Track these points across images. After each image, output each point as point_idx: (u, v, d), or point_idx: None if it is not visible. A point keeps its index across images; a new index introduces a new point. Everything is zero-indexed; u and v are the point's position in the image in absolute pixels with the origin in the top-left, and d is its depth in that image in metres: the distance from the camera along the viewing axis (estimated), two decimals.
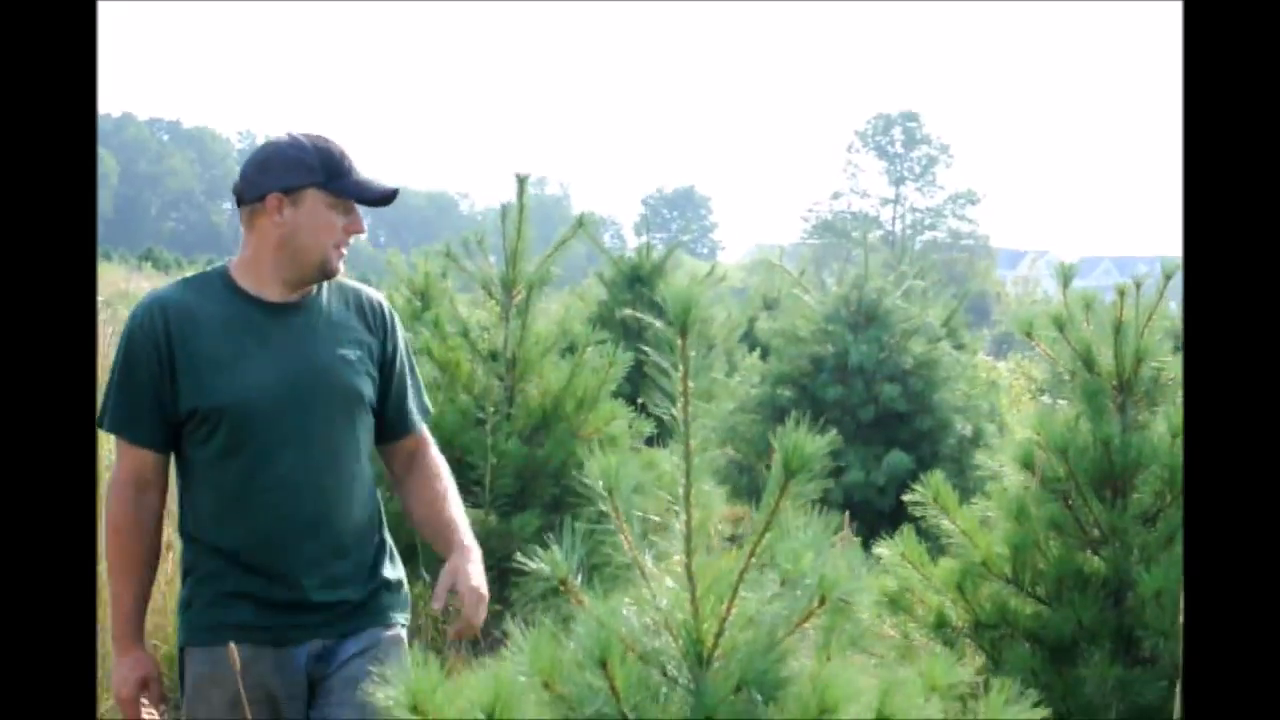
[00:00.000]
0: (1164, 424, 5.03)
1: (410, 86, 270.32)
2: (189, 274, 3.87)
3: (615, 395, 8.41)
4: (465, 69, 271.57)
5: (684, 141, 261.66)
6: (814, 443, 2.61)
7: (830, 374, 11.71)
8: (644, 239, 16.44)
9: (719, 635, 2.58)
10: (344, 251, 3.70)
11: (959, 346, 14.96)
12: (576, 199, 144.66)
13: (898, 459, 10.96)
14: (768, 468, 8.15)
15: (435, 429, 4.39)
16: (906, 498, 5.25)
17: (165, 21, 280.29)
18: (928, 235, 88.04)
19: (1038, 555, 5.05)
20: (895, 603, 5.21)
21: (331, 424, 3.68)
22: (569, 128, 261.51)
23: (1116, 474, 4.99)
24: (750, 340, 18.89)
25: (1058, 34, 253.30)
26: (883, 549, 5.25)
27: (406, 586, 3.93)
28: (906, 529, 5.22)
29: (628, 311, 15.33)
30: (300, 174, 3.60)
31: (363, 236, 3.88)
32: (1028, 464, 5.08)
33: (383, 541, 3.86)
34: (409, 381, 3.94)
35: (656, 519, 2.77)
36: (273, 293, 3.67)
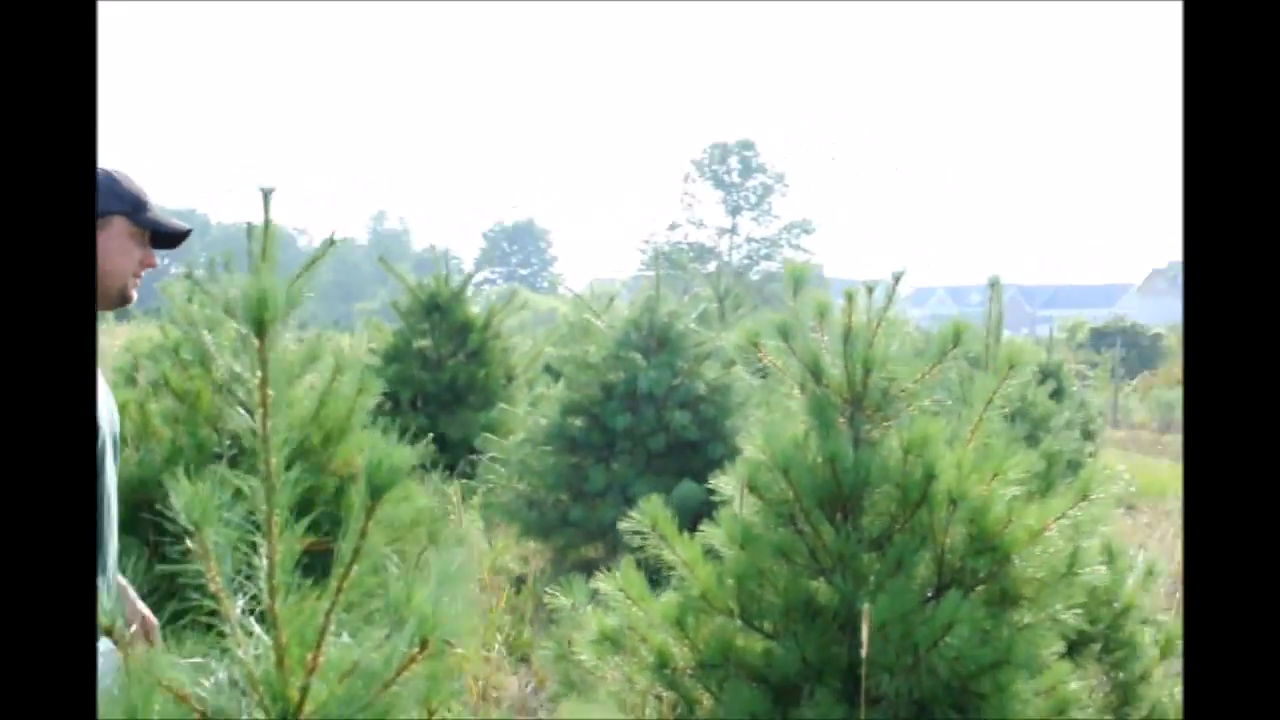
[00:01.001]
0: (896, 439, 4.64)
1: (241, 117, 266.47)
2: None
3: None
4: (306, 107, 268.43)
5: (524, 175, 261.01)
6: (401, 454, 2.25)
7: (620, 401, 11.26)
8: (472, 271, 16.00)
9: (305, 689, 2.22)
10: (138, 283, 3.74)
11: (762, 373, 14.62)
12: (417, 233, 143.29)
13: (689, 489, 10.48)
14: (560, 500, 7.62)
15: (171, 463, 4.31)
16: (623, 525, 4.80)
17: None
18: (764, 265, 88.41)
19: (765, 586, 4.62)
20: (615, 642, 4.74)
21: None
22: (409, 160, 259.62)
23: (845, 495, 4.58)
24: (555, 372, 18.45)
25: (887, 60, 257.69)
26: (600, 583, 4.78)
27: None
28: (626, 560, 4.76)
29: (424, 342, 14.82)
30: (109, 201, 3.64)
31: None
32: (754, 486, 4.64)
33: None
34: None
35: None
36: None
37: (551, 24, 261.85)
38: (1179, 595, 10.38)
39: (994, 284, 21.54)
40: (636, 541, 4.76)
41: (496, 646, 7.87)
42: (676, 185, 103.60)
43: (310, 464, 7.38)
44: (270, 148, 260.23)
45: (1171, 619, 6.00)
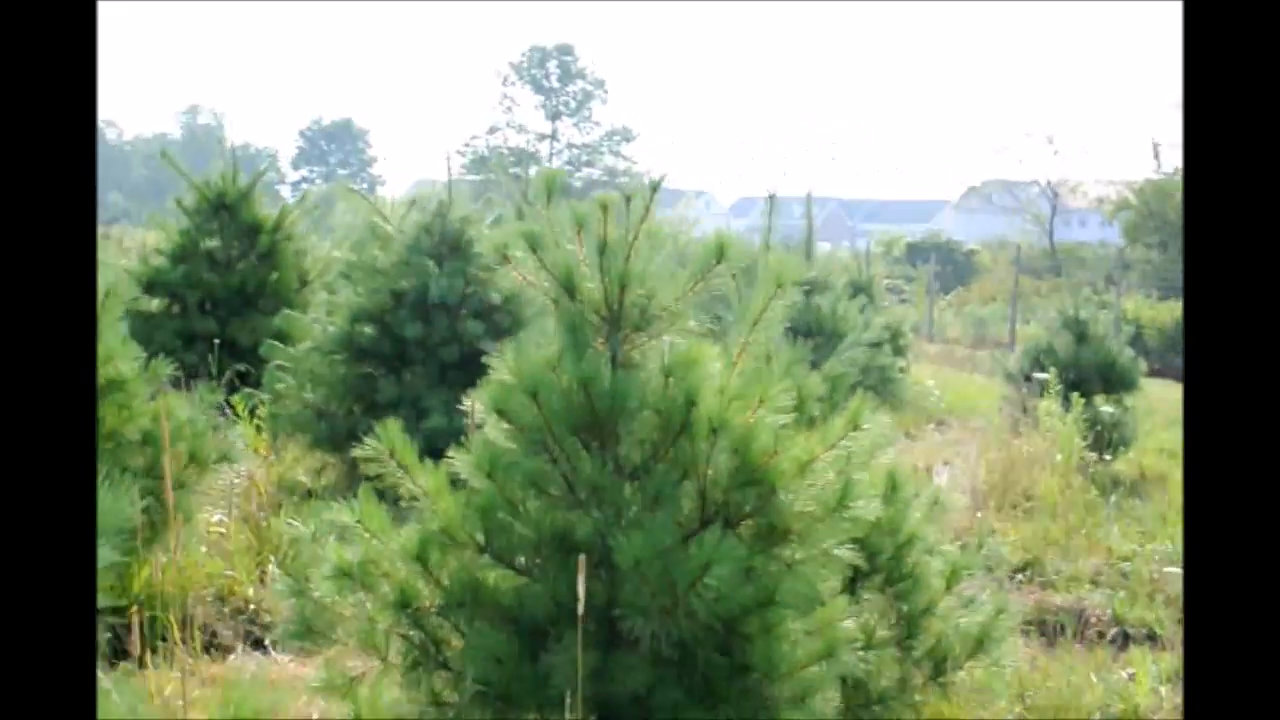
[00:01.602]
0: (656, 361, 4.30)
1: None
2: None
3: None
4: None
5: (342, 72, 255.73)
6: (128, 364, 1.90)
7: (411, 310, 10.77)
8: (301, 172, 15.35)
9: None
10: None
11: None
12: (232, 130, 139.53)
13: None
14: (351, 411, 7.08)
15: None
16: (357, 453, 4.40)
17: None
18: (585, 172, 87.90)
19: (517, 519, 4.27)
20: (354, 577, 4.35)
21: None
22: (223, 52, 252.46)
23: (601, 421, 4.23)
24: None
25: None
26: (339, 513, 4.39)
27: None
28: (364, 489, 4.37)
29: (213, 243, 14.16)
30: None
31: None
32: (502, 410, 4.27)
33: None
34: None
35: None
36: None
37: None
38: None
39: (808, 198, 21.41)
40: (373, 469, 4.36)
41: (271, 568, 7.42)
42: (495, 88, 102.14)
43: None
44: None
45: (955, 550, 5.79)
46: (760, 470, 4.23)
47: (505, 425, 4.30)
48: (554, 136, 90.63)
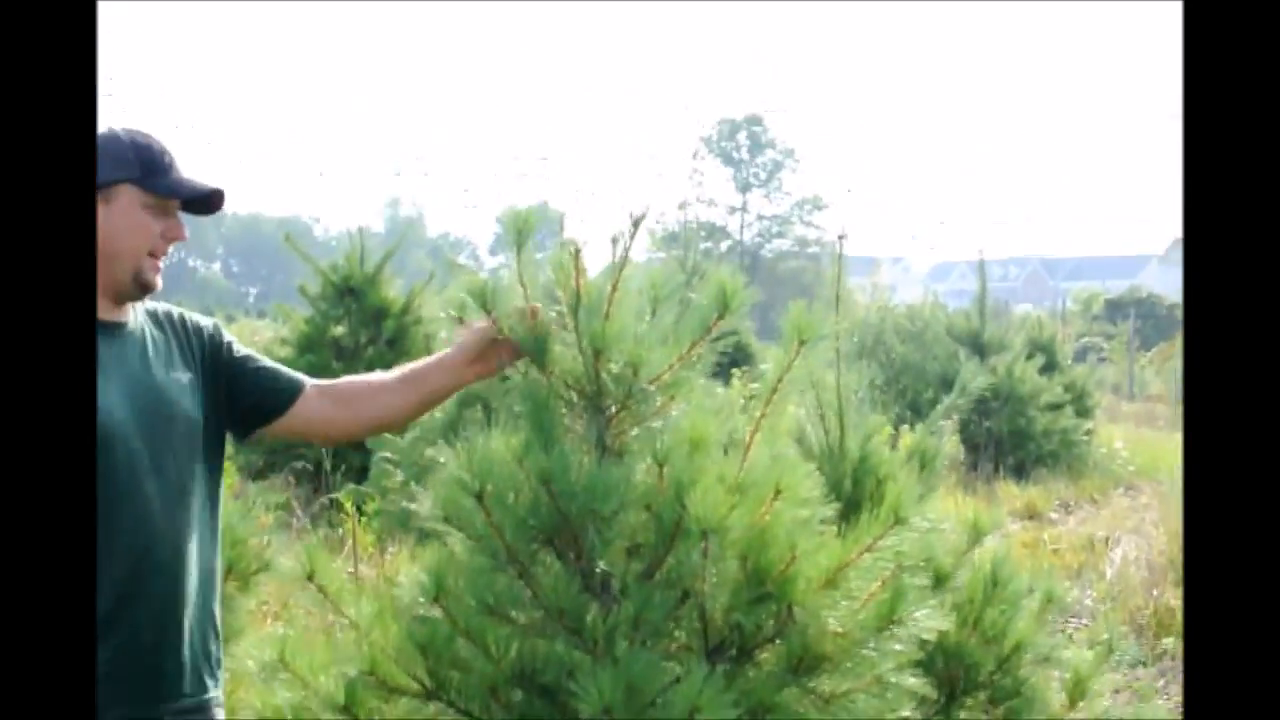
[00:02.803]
0: (650, 448, 3.39)
1: (256, 109, 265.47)
2: None
3: None
4: (322, 87, 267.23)
5: (531, 162, 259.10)
6: None
7: None
8: (499, 258, 14.86)
9: None
10: (160, 264, 3.31)
11: None
12: (431, 219, 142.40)
13: None
14: None
15: None
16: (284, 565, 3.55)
17: None
18: (775, 244, 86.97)
19: (472, 654, 3.38)
20: None
21: (179, 456, 3.31)
22: (419, 141, 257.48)
23: (573, 526, 3.32)
24: None
25: (903, 35, 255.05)
26: (262, 649, 3.53)
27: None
28: (291, 632, 3.52)
29: (339, 329, 13.62)
30: (112, 168, 3.21)
31: (182, 243, 3.45)
32: (449, 517, 3.39)
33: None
34: (263, 361, 3.62)
35: None
36: (101, 309, 3.23)
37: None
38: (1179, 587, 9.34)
39: (980, 264, 20.25)
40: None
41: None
42: (685, 163, 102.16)
43: None
44: (273, 130, 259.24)
45: (1077, 655, 4.75)
46: (775, 583, 3.29)
47: (458, 533, 3.43)
48: (744, 209, 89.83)
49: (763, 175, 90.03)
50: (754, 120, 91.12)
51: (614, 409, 3.48)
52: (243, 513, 6.68)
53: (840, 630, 3.34)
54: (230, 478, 9.55)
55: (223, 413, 3.51)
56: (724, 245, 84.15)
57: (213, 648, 3.43)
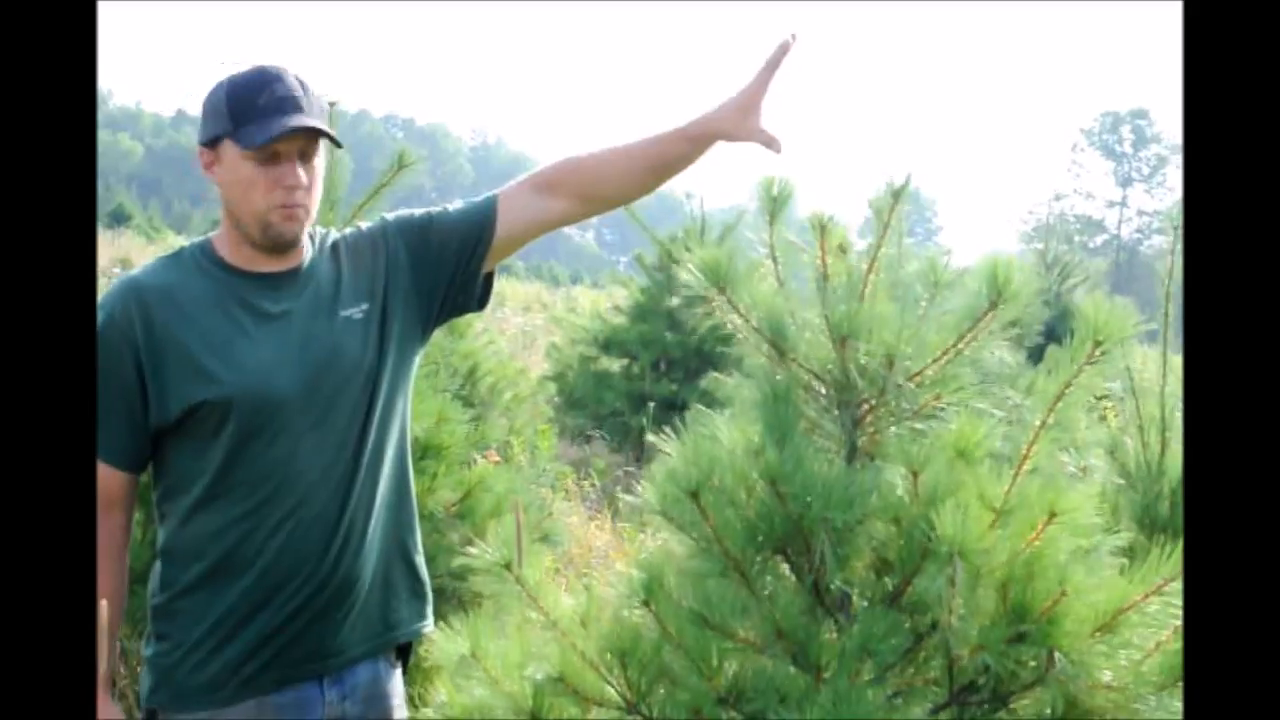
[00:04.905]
0: (904, 455, 2.90)
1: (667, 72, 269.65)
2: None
3: None
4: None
5: (908, 141, 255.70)
6: None
7: None
8: (866, 240, 14.56)
9: None
10: (293, 211, 2.98)
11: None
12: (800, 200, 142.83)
13: None
14: None
15: None
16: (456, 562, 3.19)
17: (400, 20, 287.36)
18: (1156, 240, 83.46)
19: (682, 665, 2.97)
20: None
21: (344, 406, 3.06)
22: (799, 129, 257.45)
23: (805, 535, 2.87)
24: None
25: None
26: (454, 642, 3.20)
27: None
28: (476, 615, 3.17)
29: (676, 300, 13.40)
30: (213, 123, 2.98)
31: (299, 187, 3.01)
32: (666, 514, 3.00)
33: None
34: (449, 208, 3.31)
35: None
36: (256, 262, 3.07)
37: None
38: None
39: None
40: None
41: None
42: (1063, 155, 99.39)
43: None
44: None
45: None
46: (1037, 621, 2.77)
47: (677, 533, 3.02)
48: (1123, 203, 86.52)
49: (1145, 170, 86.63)
50: (1139, 114, 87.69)
51: (866, 405, 3.01)
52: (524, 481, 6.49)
53: (1114, 685, 2.79)
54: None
55: (439, 295, 3.26)
56: (1099, 240, 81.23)
57: (402, 592, 3.29)
